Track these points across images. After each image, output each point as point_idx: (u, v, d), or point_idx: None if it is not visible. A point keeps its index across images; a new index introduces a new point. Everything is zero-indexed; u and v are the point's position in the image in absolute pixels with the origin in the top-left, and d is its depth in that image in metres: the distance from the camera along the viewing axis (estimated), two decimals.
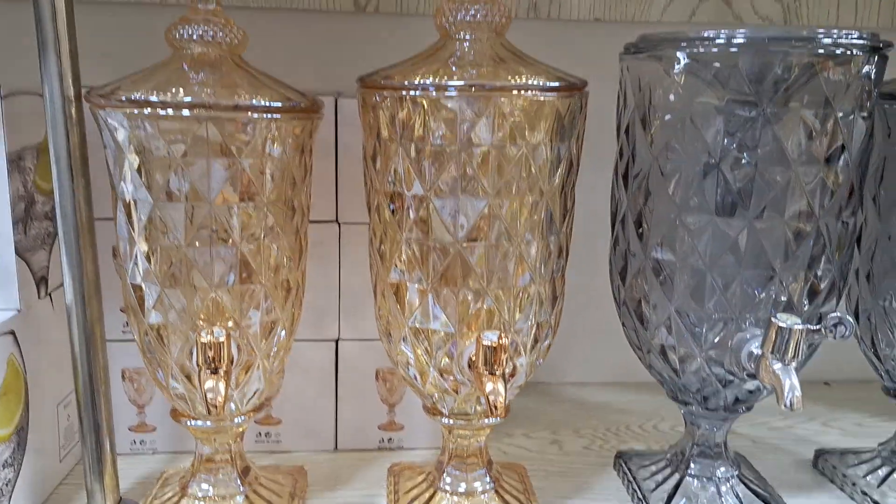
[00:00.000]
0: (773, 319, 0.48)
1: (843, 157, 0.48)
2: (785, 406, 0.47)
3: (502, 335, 0.46)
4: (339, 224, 0.62)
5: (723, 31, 0.48)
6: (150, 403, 0.64)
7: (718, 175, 0.49)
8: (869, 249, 0.58)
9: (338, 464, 0.65)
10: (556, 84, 0.47)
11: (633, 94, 0.53)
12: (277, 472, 0.60)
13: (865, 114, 0.49)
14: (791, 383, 0.47)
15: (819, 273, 0.51)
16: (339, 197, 0.61)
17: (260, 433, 0.66)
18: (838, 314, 0.48)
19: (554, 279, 0.51)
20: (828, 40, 0.47)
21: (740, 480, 0.59)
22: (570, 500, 0.61)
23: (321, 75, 0.72)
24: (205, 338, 0.44)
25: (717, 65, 0.48)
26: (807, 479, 0.65)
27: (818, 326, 0.48)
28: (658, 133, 0.51)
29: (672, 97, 0.50)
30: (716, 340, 0.52)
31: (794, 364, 0.48)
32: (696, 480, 0.58)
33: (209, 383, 0.44)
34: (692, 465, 0.59)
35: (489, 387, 0.45)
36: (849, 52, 0.47)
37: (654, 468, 0.62)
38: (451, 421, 0.54)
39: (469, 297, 0.48)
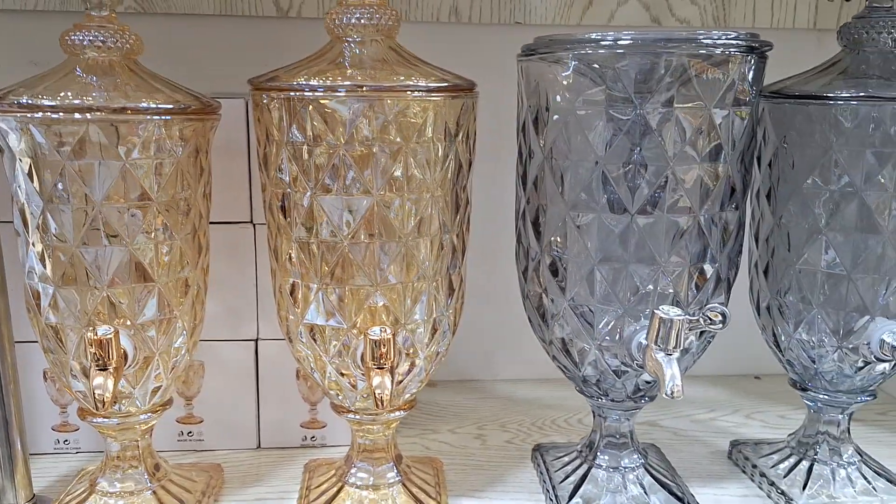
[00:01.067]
0: (655, 311, 0.49)
1: (721, 155, 0.50)
2: (666, 395, 0.48)
3: (384, 330, 0.47)
4: (253, 225, 0.63)
5: (609, 33, 0.49)
6: (73, 403, 0.65)
7: (603, 173, 0.50)
8: (766, 244, 0.59)
9: (259, 461, 0.66)
10: (443, 85, 0.49)
11: (528, 95, 0.54)
12: (192, 470, 0.61)
13: (744, 113, 0.50)
14: (672, 372, 0.48)
15: (704, 266, 0.52)
16: (252, 197, 0.63)
17: (182, 432, 0.67)
18: (715, 305, 0.49)
19: (450, 276, 0.53)
20: (707, 41, 0.49)
21: (646, 470, 0.60)
22: (482, 493, 0.62)
23: (244, 78, 0.73)
24: (92, 335, 0.45)
25: (602, 66, 0.49)
26: (720, 470, 0.66)
27: (696, 317, 0.49)
28: (549, 133, 0.52)
29: (559, 98, 0.51)
30: (608, 333, 0.53)
31: (676, 354, 0.49)
32: (602, 471, 0.60)
33: (98, 380, 0.45)
34: (599, 456, 0.60)
35: (376, 381, 0.47)
36: (726, 53, 0.49)
37: (566, 459, 0.63)
38: (357, 416, 0.55)
39: (360, 295, 0.49)
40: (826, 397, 0.60)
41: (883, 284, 0.54)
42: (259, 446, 0.68)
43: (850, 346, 0.56)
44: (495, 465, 0.67)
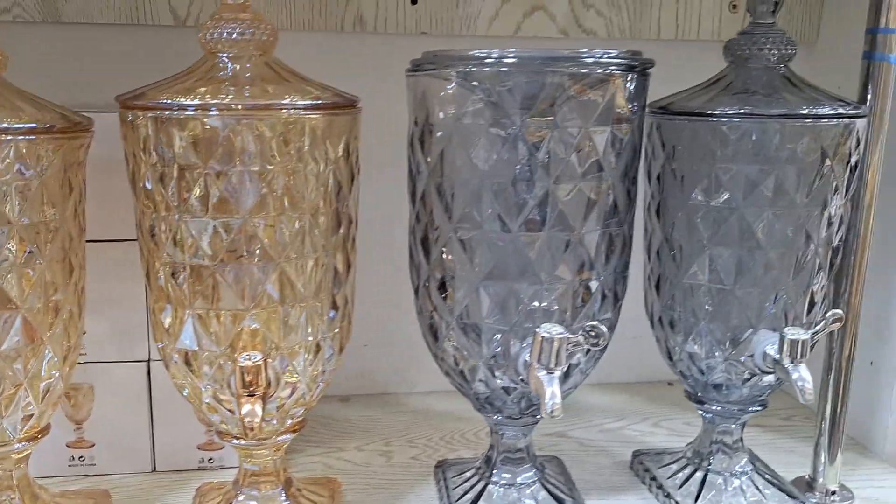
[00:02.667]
0: (537, 330, 0.49)
1: (602, 172, 0.50)
2: (545, 414, 0.48)
3: (254, 356, 0.46)
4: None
5: (494, 50, 0.49)
6: None
7: (485, 191, 0.50)
8: (657, 257, 0.59)
9: (153, 485, 0.64)
10: (320, 102, 0.48)
11: (414, 110, 0.53)
12: (77, 498, 0.59)
13: (624, 130, 0.50)
14: (552, 391, 0.48)
15: (589, 283, 0.52)
16: None
17: (73, 457, 0.64)
18: (594, 323, 0.49)
19: (333, 296, 0.52)
20: (589, 60, 0.49)
21: (542, 485, 0.60)
22: None
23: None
24: None
25: (484, 84, 0.49)
26: (621, 481, 0.67)
27: (577, 336, 0.49)
28: (433, 149, 0.52)
29: (442, 114, 0.51)
30: (495, 350, 0.53)
31: (558, 372, 0.49)
32: (499, 487, 0.59)
33: None
34: (496, 473, 0.60)
35: (245, 408, 0.45)
36: (607, 72, 0.49)
37: (466, 475, 0.63)
38: (242, 442, 0.54)
39: (232, 318, 0.48)
40: (719, 408, 0.61)
41: (765, 298, 0.55)
42: (154, 469, 0.66)
43: (737, 358, 0.57)
44: (398, 483, 0.66)
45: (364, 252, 0.74)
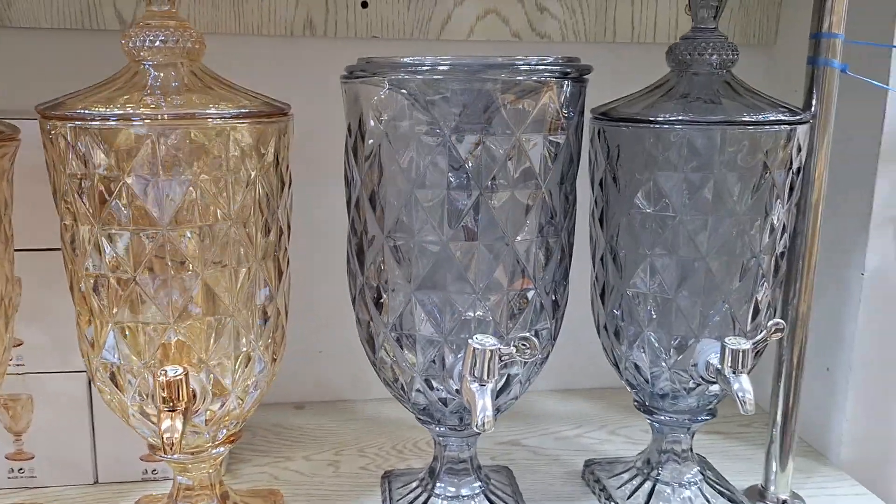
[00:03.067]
0: (469, 341, 0.48)
1: (535, 180, 0.49)
2: (476, 427, 0.47)
3: (174, 370, 0.45)
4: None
5: (427, 57, 0.48)
6: None
7: (416, 200, 0.49)
8: (601, 265, 0.59)
9: (96, 498, 0.63)
10: (245, 111, 0.47)
11: (349, 117, 0.52)
12: None
13: (559, 136, 0.50)
14: (483, 404, 0.47)
15: (526, 293, 0.51)
16: None
17: (13, 469, 0.63)
18: (525, 335, 0.48)
19: (264, 306, 0.51)
20: (524, 67, 0.48)
21: (486, 497, 0.59)
22: None
23: None
24: None
25: (417, 91, 0.48)
26: (571, 492, 0.66)
27: (510, 348, 0.48)
28: (365, 157, 0.51)
29: (373, 122, 0.50)
30: (430, 361, 0.52)
31: (490, 384, 0.48)
32: (441, 500, 0.58)
33: None
34: (439, 485, 0.59)
35: (165, 424, 0.44)
36: (541, 80, 0.48)
37: (411, 487, 0.62)
38: (176, 456, 0.53)
39: (154, 331, 0.47)
40: (667, 418, 0.60)
41: (708, 306, 0.54)
42: (97, 481, 0.65)
43: (681, 367, 0.56)
44: (343, 494, 0.65)
45: (319, 259, 0.74)
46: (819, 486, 0.67)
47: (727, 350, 0.51)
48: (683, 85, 0.55)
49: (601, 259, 0.58)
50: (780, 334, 0.52)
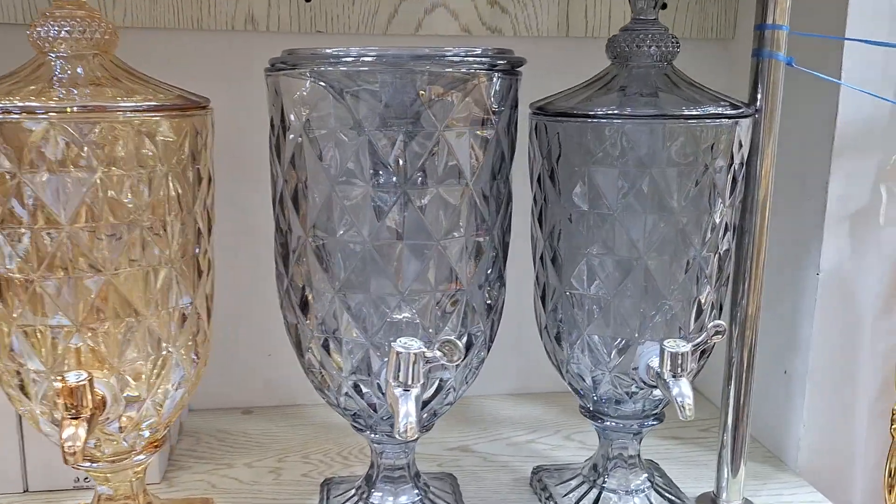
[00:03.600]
0: (392, 344, 0.46)
1: (462, 178, 0.47)
2: (398, 435, 0.45)
3: (72, 376, 0.43)
4: None
5: (352, 49, 0.46)
6: None
7: (337, 199, 0.47)
8: (541, 265, 0.57)
9: None
10: (155, 104, 0.45)
11: (272, 112, 0.50)
12: None
13: (487, 131, 0.48)
14: (406, 410, 0.45)
15: (456, 294, 0.49)
16: None
17: None
18: (449, 338, 0.46)
19: (182, 309, 0.49)
20: (454, 58, 0.46)
21: None
22: None
23: None
24: None
25: (340, 84, 0.45)
26: (518, 500, 0.64)
27: (435, 352, 0.46)
28: (287, 154, 0.49)
29: (293, 117, 0.48)
30: (356, 365, 0.50)
31: (415, 389, 0.46)
32: None
33: None
34: (375, 493, 0.57)
35: (66, 432, 0.42)
36: (469, 71, 0.46)
37: (349, 494, 0.60)
38: (95, 465, 0.50)
39: (59, 335, 0.44)
40: (613, 423, 0.58)
41: (648, 308, 0.52)
42: (27, 490, 0.62)
43: (623, 371, 0.54)
44: (281, 502, 0.63)
45: (266, 260, 0.71)
46: (775, 494, 0.65)
47: (666, 353, 0.49)
48: (622, 78, 0.53)
49: (541, 259, 0.56)
50: (720, 336, 0.50)
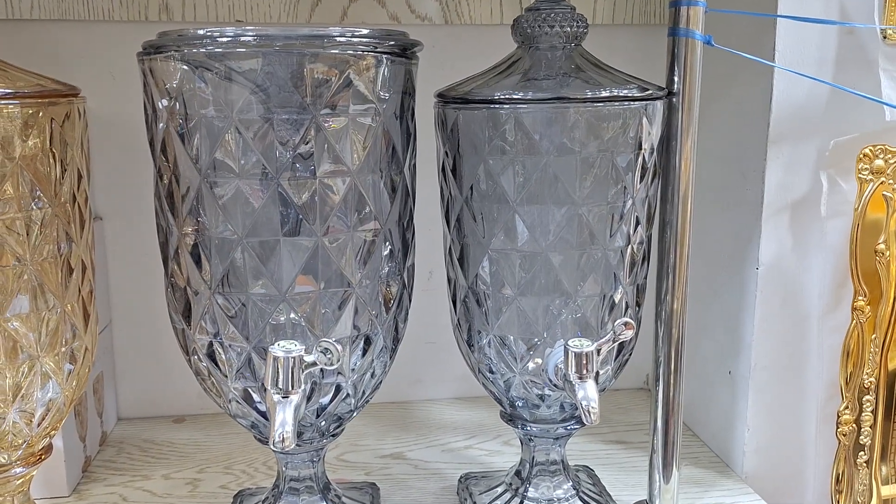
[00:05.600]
0: (270, 349, 0.43)
1: (343, 166, 0.44)
2: (272, 445, 0.42)
3: None
4: None
5: (228, 28, 0.43)
6: None
7: (205, 191, 0.44)
8: (449, 262, 0.53)
9: None
10: (9, 91, 0.42)
11: (145, 98, 0.47)
12: None
13: (373, 117, 0.44)
14: (283, 418, 0.42)
15: (346, 294, 0.46)
16: None
17: None
18: (327, 340, 0.43)
19: (47, 317, 0.46)
20: (340, 39, 0.43)
21: None
22: None
23: None
24: None
25: (209, 67, 0.42)
26: None
27: (312, 356, 0.43)
28: (158, 143, 0.45)
29: (163, 103, 0.44)
30: (240, 371, 0.47)
31: (294, 397, 0.43)
32: None
33: None
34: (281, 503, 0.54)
35: None
36: (355, 54, 0.43)
37: None
38: None
39: None
40: (533, 428, 0.55)
41: (554, 306, 0.49)
42: None
43: (533, 373, 0.51)
44: None
45: None
46: (715, 501, 0.62)
47: (570, 353, 0.46)
48: (526, 61, 0.50)
49: (449, 255, 0.53)
50: (628, 333, 0.47)
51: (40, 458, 0.49)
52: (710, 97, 0.66)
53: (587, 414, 0.45)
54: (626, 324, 0.46)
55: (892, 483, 0.63)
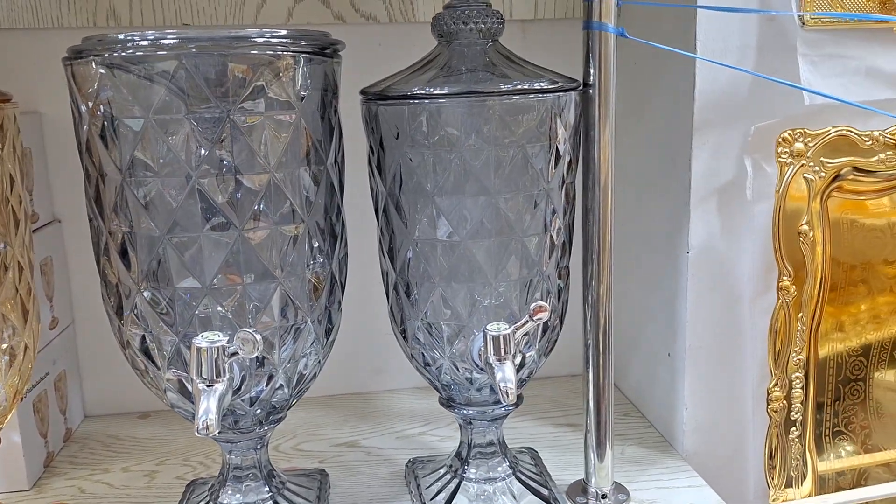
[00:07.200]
0: (194, 340, 0.45)
1: (260, 163, 0.46)
2: (196, 432, 0.44)
3: None
4: None
5: (148, 32, 0.44)
6: None
7: (129, 191, 0.45)
8: (380, 255, 0.55)
9: None
10: None
11: (71, 101, 0.49)
12: None
13: (289, 115, 0.46)
14: (206, 406, 0.44)
15: (267, 286, 0.48)
16: None
17: None
18: (246, 330, 0.45)
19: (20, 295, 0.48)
20: (259, 40, 0.45)
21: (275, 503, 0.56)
22: None
23: None
24: None
25: (127, 71, 0.44)
26: (388, 493, 0.62)
27: (233, 344, 0.45)
28: (83, 145, 0.47)
29: (84, 108, 0.46)
30: (169, 362, 0.49)
31: (220, 385, 0.45)
32: None
33: None
34: (224, 492, 0.56)
35: None
36: (274, 54, 0.45)
37: (205, 494, 0.59)
38: None
39: None
40: (469, 411, 0.57)
41: (476, 293, 0.51)
42: None
43: (459, 357, 0.53)
44: None
45: None
46: (654, 479, 0.64)
47: (488, 336, 0.48)
48: (444, 57, 0.51)
49: (380, 246, 0.55)
50: (543, 315, 0.48)
51: None
52: (641, 87, 0.68)
53: (504, 394, 0.47)
54: (539, 306, 0.48)
55: (831, 459, 0.65)
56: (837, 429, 0.64)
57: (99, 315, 0.76)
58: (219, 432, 0.51)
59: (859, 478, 0.65)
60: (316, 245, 0.50)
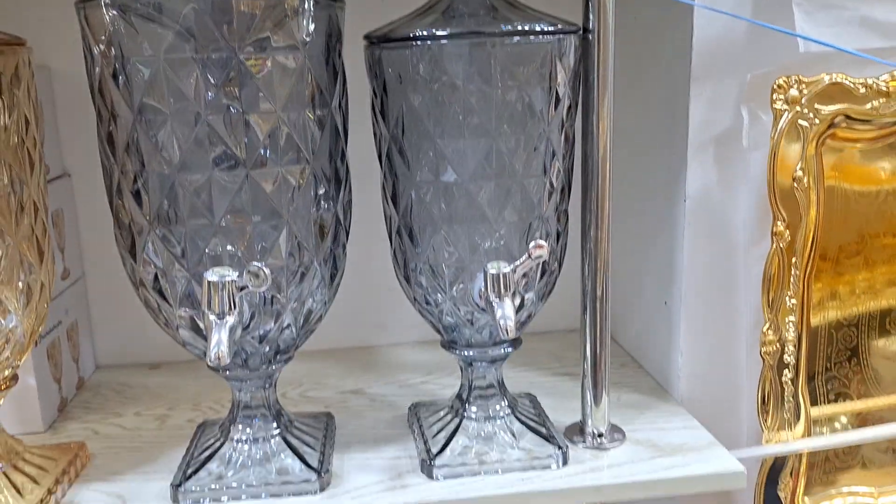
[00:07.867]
0: (205, 274, 0.47)
1: (266, 105, 0.47)
2: (209, 362, 0.46)
3: None
4: None
5: None
6: None
7: (140, 129, 0.47)
8: (383, 201, 0.57)
9: None
10: None
11: (83, 45, 0.50)
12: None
13: (294, 58, 0.47)
14: (218, 338, 0.46)
15: (272, 225, 0.49)
16: None
17: None
18: (256, 264, 0.46)
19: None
20: None
21: (283, 440, 0.58)
22: (121, 476, 0.59)
23: None
24: None
25: (135, 10, 0.45)
26: (391, 434, 0.64)
27: (242, 279, 0.47)
28: (95, 86, 0.49)
29: (95, 49, 0.48)
30: (181, 299, 0.50)
31: (230, 319, 0.47)
32: (235, 443, 0.57)
33: None
34: (234, 428, 0.58)
35: None
36: None
37: (215, 432, 0.61)
38: None
39: None
40: (470, 353, 0.58)
41: (476, 234, 0.52)
42: None
43: (461, 298, 0.54)
44: (158, 445, 0.64)
45: None
46: (649, 421, 0.65)
47: (488, 275, 0.50)
48: (446, 2, 0.52)
49: (383, 191, 0.56)
50: (540, 252, 0.50)
51: (8, 386, 0.53)
52: (639, 39, 0.69)
53: (504, 330, 0.49)
54: (538, 244, 0.50)
55: (824, 403, 0.67)
56: (830, 373, 0.66)
57: (110, 268, 0.78)
58: (228, 371, 0.54)
59: (851, 422, 0.67)
60: (322, 189, 0.51)
